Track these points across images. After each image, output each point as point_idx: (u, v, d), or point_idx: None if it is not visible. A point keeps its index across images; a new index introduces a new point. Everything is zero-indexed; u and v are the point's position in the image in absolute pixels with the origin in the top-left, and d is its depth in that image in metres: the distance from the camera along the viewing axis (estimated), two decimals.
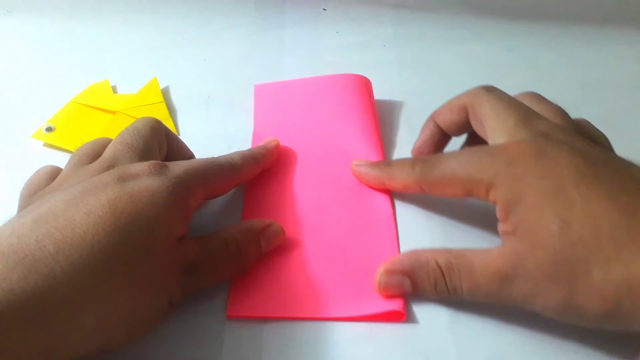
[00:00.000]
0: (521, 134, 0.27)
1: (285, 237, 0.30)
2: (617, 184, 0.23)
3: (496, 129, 0.28)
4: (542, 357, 0.25)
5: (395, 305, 0.27)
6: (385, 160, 0.32)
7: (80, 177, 0.26)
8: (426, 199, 0.32)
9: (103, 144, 0.28)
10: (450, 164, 0.28)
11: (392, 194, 0.33)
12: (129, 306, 0.22)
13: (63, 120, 0.38)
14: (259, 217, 0.31)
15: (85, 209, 0.22)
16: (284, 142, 0.35)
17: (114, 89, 0.42)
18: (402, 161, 0.31)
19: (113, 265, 0.21)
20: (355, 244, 0.30)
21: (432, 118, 0.33)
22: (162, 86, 0.41)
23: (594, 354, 0.25)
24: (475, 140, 0.32)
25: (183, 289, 0.25)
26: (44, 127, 0.37)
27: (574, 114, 0.30)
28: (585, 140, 0.27)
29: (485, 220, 0.30)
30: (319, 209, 0.32)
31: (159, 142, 0.29)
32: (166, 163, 0.26)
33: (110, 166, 0.26)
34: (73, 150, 0.29)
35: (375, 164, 0.33)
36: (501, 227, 0.26)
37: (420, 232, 0.31)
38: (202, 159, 0.29)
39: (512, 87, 0.43)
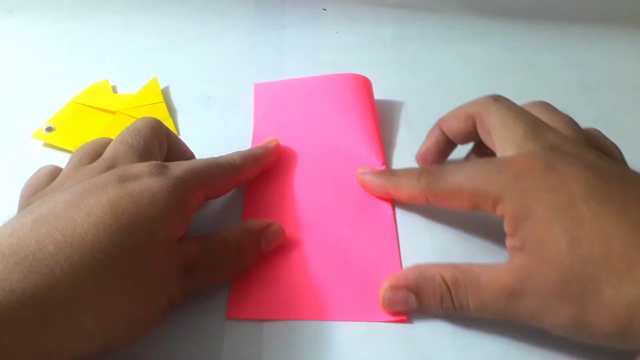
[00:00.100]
0: (529, 145, 0.26)
1: (285, 237, 0.30)
2: (628, 199, 0.23)
3: (504, 140, 0.27)
4: (542, 357, 0.25)
5: (398, 317, 0.27)
6: (390, 169, 0.32)
7: (80, 177, 0.26)
8: None
9: (103, 144, 0.28)
10: (456, 176, 0.27)
11: None
12: (129, 306, 0.22)
13: (63, 120, 0.38)
14: (259, 217, 0.31)
15: (86, 210, 0.22)
16: (283, 142, 0.35)
17: (114, 89, 0.42)
18: (407, 171, 0.31)
19: (113, 265, 0.21)
20: (355, 244, 0.30)
21: (438, 125, 0.33)
22: (162, 86, 0.41)
23: (593, 353, 0.25)
24: (481, 148, 0.31)
25: (183, 289, 0.25)
26: (44, 127, 0.37)
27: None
28: (596, 153, 0.26)
29: (484, 224, 0.30)
30: (319, 209, 0.32)
31: (159, 142, 0.29)
32: (166, 163, 0.26)
33: (110, 166, 0.26)
34: (73, 150, 0.29)
35: (380, 173, 0.32)
36: (509, 242, 0.25)
37: (420, 231, 0.31)
38: (202, 159, 0.29)
39: (512, 87, 0.43)
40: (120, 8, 0.50)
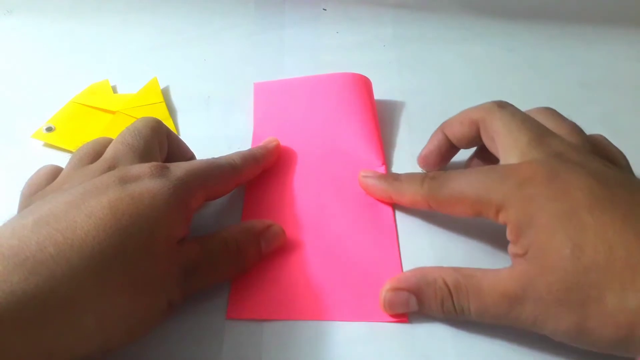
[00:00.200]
0: (533, 153, 0.26)
1: (286, 238, 0.30)
2: (632, 207, 0.23)
3: (508, 147, 0.27)
4: (541, 357, 0.25)
5: (398, 318, 0.27)
6: (393, 173, 0.32)
7: (81, 177, 0.26)
8: None
9: (104, 144, 0.28)
10: (459, 183, 0.27)
11: None
12: (128, 307, 0.22)
13: (63, 120, 0.38)
14: (259, 218, 0.31)
15: (87, 211, 0.22)
16: (283, 141, 0.35)
17: (114, 89, 0.42)
18: (410, 176, 0.30)
19: (113, 266, 0.21)
20: (355, 245, 0.30)
21: (441, 129, 0.33)
22: (162, 86, 0.41)
23: (594, 356, 0.25)
24: (484, 152, 0.31)
25: (183, 290, 0.25)
26: (44, 127, 0.37)
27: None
28: (600, 161, 0.26)
29: (485, 225, 0.30)
30: (319, 209, 0.32)
31: (159, 142, 0.29)
32: (167, 165, 0.26)
33: (111, 167, 0.26)
34: (73, 150, 0.29)
35: (383, 177, 0.32)
36: (511, 249, 0.25)
37: (420, 231, 0.31)
38: (202, 160, 0.29)
39: (512, 87, 0.43)
40: (120, 8, 0.50)
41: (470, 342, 0.26)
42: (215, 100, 0.40)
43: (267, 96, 0.39)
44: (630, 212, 0.23)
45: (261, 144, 0.34)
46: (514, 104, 0.30)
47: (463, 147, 0.33)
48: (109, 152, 0.27)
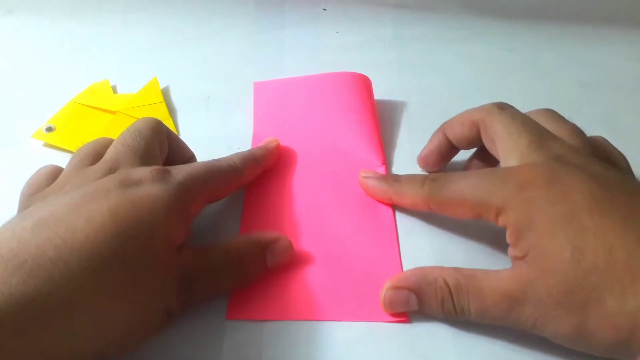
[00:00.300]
0: (534, 156, 0.26)
1: (294, 253, 0.29)
2: (632, 210, 0.23)
3: (508, 149, 0.27)
4: (541, 357, 0.25)
5: (398, 317, 0.27)
6: (393, 175, 0.32)
7: (81, 179, 0.26)
8: None
9: (104, 144, 0.28)
10: (460, 185, 0.27)
11: None
12: (126, 311, 0.22)
13: (63, 120, 0.38)
14: (259, 218, 0.31)
15: (86, 215, 0.22)
16: (283, 141, 0.35)
17: (114, 89, 0.42)
18: (411, 178, 0.30)
19: (112, 271, 0.21)
20: (355, 244, 0.30)
21: (441, 130, 0.33)
22: (162, 86, 0.41)
23: (594, 357, 0.25)
24: (484, 153, 0.31)
25: (181, 299, 0.25)
26: (44, 127, 0.37)
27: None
28: (601, 164, 0.26)
29: (484, 225, 0.30)
30: (318, 209, 0.32)
31: (160, 143, 0.29)
32: (168, 168, 0.26)
33: (112, 169, 0.26)
34: (73, 150, 0.29)
35: (383, 178, 0.32)
36: (511, 251, 0.25)
37: (420, 231, 0.31)
38: (203, 163, 0.29)
39: (512, 87, 0.43)
40: (120, 8, 0.50)
41: (470, 342, 0.26)
42: (215, 100, 0.40)
43: (267, 95, 0.39)
44: (630, 214, 0.23)
45: (261, 144, 0.34)
46: (514, 104, 0.30)
47: (463, 148, 0.33)
48: (109, 154, 0.27)
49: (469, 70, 0.44)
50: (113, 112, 0.39)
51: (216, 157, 0.30)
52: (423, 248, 0.30)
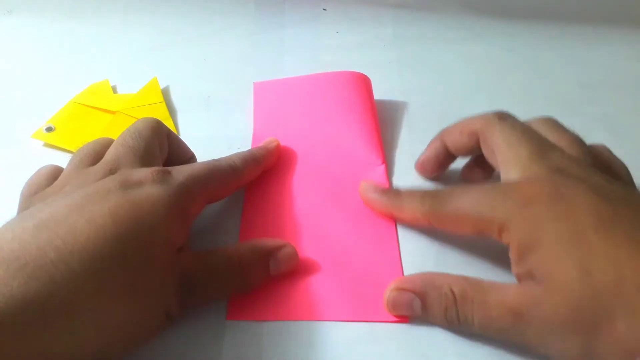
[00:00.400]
0: (534, 168, 0.26)
1: (298, 261, 0.28)
2: (636, 226, 0.23)
3: (509, 161, 0.27)
4: (540, 357, 0.25)
5: (398, 317, 0.27)
6: (394, 189, 0.31)
7: (82, 179, 0.26)
8: None
9: (104, 144, 0.28)
10: (461, 201, 0.27)
11: None
12: (127, 313, 0.22)
13: (63, 120, 0.38)
14: (258, 218, 0.31)
15: (87, 217, 0.22)
16: (283, 141, 0.35)
17: (114, 89, 0.42)
18: (411, 193, 0.30)
19: (112, 272, 0.21)
20: (355, 245, 0.30)
21: (440, 137, 0.32)
22: (162, 86, 0.41)
23: None
24: (482, 160, 0.31)
25: (181, 301, 0.25)
26: (44, 127, 0.37)
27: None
28: (602, 175, 0.26)
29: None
30: (319, 209, 0.32)
31: (160, 143, 0.29)
32: (169, 169, 0.26)
33: (112, 169, 0.26)
34: (73, 151, 0.29)
35: (384, 192, 0.31)
36: (515, 269, 0.25)
37: (420, 232, 0.31)
38: (203, 163, 0.29)
39: (512, 87, 0.43)
40: (120, 8, 0.50)
41: (470, 342, 0.26)
42: (215, 100, 0.40)
43: (267, 95, 0.39)
44: (633, 230, 0.23)
45: (261, 144, 0.34)
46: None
47: (461, 156, 0.33)
48: (109, 154, 0.27)
49: (469, 70, 0.44)
50: (113, 112, 0.39)
51: (216, 157, 0.30)
52: (423, 249, 0.30)
